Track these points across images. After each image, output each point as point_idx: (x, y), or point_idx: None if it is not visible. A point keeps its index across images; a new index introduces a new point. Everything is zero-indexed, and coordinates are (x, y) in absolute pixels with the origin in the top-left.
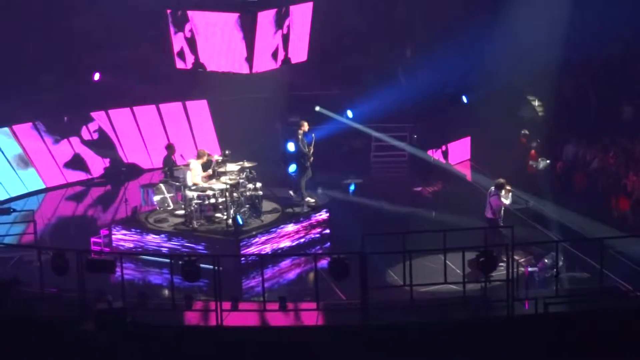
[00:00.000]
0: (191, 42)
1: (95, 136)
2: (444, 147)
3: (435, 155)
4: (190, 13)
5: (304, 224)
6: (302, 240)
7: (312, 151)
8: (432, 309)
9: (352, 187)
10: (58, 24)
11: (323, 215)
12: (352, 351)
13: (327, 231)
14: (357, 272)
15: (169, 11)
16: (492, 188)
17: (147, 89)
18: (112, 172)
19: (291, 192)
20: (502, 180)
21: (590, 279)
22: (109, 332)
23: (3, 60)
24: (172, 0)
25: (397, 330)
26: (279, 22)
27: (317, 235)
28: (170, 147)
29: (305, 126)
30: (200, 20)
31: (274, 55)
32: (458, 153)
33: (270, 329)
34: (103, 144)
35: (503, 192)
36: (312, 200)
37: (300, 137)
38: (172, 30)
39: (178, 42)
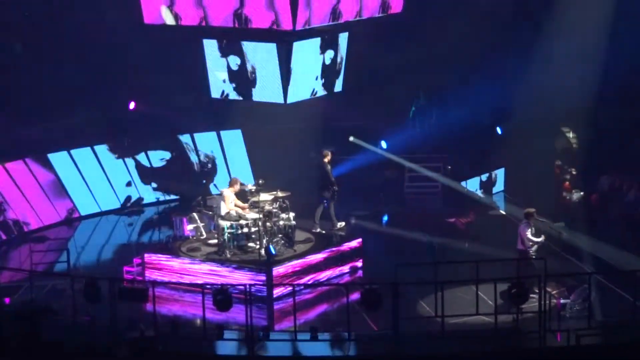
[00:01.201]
0: (234, 72)
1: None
2: (483, 177)
3: (473, 185)
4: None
5: (336, 254)
6: (335, 269)
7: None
8: (463, 340)
9: (385, 218)
10: (94, 54)
11: (356, 244)
12: None
13: (360, 261)
14: (389, 302)
15: (211, 40)
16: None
17: (182, 118)
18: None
19: (317, 227)
20: (530, 210)
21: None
22: None
23: (40, 89)
24: (215, 30)
25: None
26: (320, 51)
27: (349, 266)
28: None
29: (330, 155)
30: (247, 49)
31: (312, 84)
32: (492, 184)
33: (301, 359)
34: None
35: (532, 222)
36: (343, 224)
37: (327, 166)
38: (210, 60)
39: (220, 71)
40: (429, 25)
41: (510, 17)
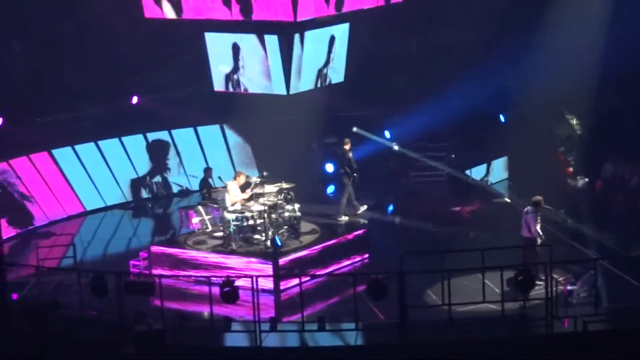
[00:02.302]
0: (236, 65)
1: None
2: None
3: (477, 173)
4: (233, 36)
5: (343, 244)
6: (342, 260)
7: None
8: (470, 328)
9: (390, 207)
10: (95, 50)
11: (362, 234)
12: None
13: (366, 251)
14: (395, 291)
15: (212, 33)
16: (529, 207)
17: (185, 112)
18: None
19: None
20: (538, 198)
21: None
22: (149, 354)
23: (43, 87)
24: (217, 23)
25: (435, 349)
26: (322, 41)
27: (357, 256)
28: (207, 170)
29: (349, 144)
30: (244, 43)
31: (314, 75)
32: (496, 172)
33: (309, 350)
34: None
35: (539, 210)
36: (347, 218)
37: (349, 153)
38: (213, 53)
39: (222, 65)
40: (429, 13)
41: (511, 3)
